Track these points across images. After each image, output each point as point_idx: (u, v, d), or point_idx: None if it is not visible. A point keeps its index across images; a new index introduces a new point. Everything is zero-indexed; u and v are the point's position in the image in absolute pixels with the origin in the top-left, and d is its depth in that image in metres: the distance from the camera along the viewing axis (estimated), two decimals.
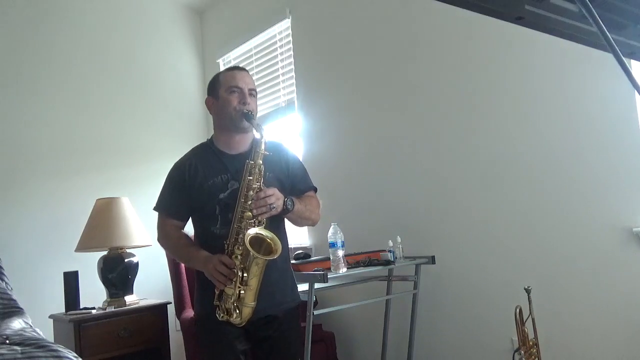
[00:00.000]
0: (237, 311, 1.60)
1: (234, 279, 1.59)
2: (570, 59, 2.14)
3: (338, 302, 2.89)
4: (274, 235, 1.64)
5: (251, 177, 1.66)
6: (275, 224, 1.76)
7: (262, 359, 1.80)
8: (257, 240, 1.61)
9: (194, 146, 1.92)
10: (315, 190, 1.93)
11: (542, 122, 2.25)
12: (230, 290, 1.59)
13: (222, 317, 1.64)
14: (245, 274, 1.58)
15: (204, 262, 1.66)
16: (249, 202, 1.64)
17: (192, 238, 1.90)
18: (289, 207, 1.71)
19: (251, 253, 1.56)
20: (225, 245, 1.65)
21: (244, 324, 1.64)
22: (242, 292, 1.59)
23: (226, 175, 1.75)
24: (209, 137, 1.90)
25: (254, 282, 1.60)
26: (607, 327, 2.05)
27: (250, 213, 1.63)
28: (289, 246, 1.98)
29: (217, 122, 1.85)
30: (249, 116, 1.73)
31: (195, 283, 1.82)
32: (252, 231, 1.61)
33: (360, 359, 3.05)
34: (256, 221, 1.64)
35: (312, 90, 3.36)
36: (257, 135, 1.88)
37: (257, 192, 1.64)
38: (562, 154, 2.19)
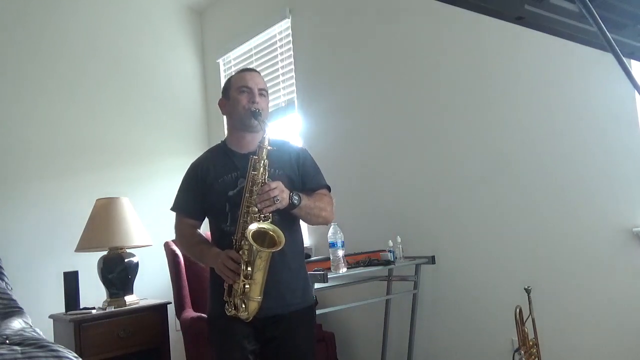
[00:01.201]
0: (244, 306, 1.61)
1: (240, 273, 1.60)
2: (571, 59, 2.14)
3: (338, 302, 2.88)
4: (276, 228, 1.64)
5: (255, 172, 1.67)
6: (289, 223, 1.76)
7: (270, 359, 1.80)
8: (261, 234, 1.62)
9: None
10: (329, 189, 1.93)
11: (541, 122, 2.25)
12: (237, 285, 1.61)
13: (231, 312, 1.65)
14: (249, 268, 1.59)
15: (214, 258, 1.69)
16: (254, 197, 1.65)
17: (207, 236, 1.92)
18: (295, 201, 1.70)
19: (254, 247, 1.56)
20: (234, 240, 1.67)
21: (250, 318, 1.64)
22: (247, 285, 1.60)
23: (236, 173, 1.77)
24: (224, 139, 1.94)
25: (259, 276, 1.61)
26: (607, 327, 2.05)
27: (255, 207, 1.64)
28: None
29: (229, 122, 1.90)
30: (256, 114, 1.75)
31: (209, 280, 1.84)
32: (254, 225, 1.61)
33: (360, 359, 3.05)
34: (262, 216, 1.65)
35: (312, 90, 3.36)
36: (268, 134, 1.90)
37: (261, 186, 1.65)
38: (562, 153, 2.19)
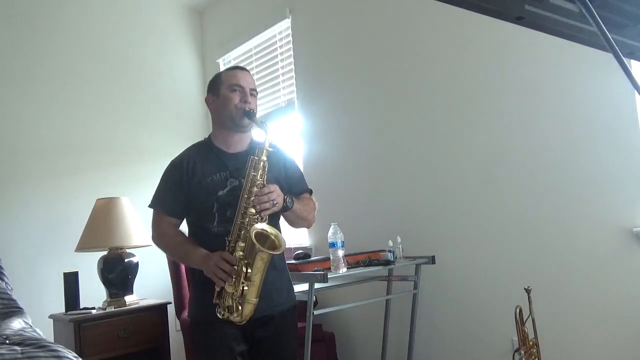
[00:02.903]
0: (240, 308, 1.59)
1: (239, 275, 1.57)
2: (570, 59, 2.14)
3: (338, 302, 2.89)
4: (279, 232, 1.65)
5: (255, 173, 1.66)
6: (273, 223, 1.76)
7: None
8: (262, 236, 1.61)
9: (190, 145, 1.91)
10: (311, 192, 1.93)
11: (542, 122, 2.25)
12: (231, 287, 1.58)
13: (223, 314, 1.62)
14: (249, 270, 1.57)
15: (203, 260, 1.65)
16: (252, 198, 1.64)
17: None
18: (289, 204, 1.71)
19: (256, 246, 1.55)
20: (227, 241, 1.64)
21: (245, 321, 1.62)
22: (245, 287, 1.57)
23: (225, 173, 1.75)
24: (207, 136, 1.89)
25: (257, 278, 1.59)
26: (607, 327, 2.05)
27: (253, 209, 1.63)
28: (286, 246, 1.97)
29: (217, 120, 1.85)
30: (251, 114, 1.74)
31: (191, 283, 1.81)
32: (259, 226, 1.61)
33: (360, 359, 3.05)
34: (259, 217, 1.64)
35: (312, 90, 3.36)
36: (255, 135, 1.88)
37: (260, 188, 1.65)
38: (562, 154, 2.19)
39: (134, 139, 3.79)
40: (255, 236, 1.56)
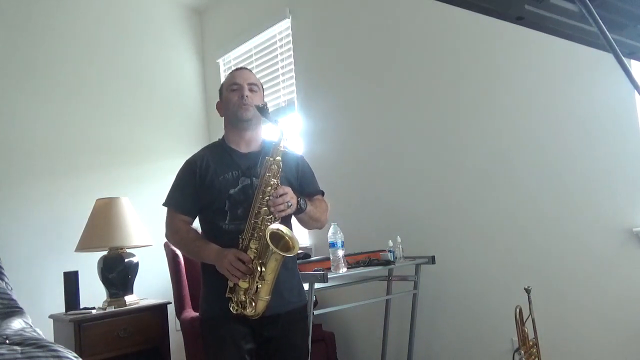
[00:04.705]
0: (253, 304, 1.61)
1: (254, 274, 1.60)
2: (571, 59, 2.14)
3: (338, 302, 2.89)
4: (294, 234, 1.66)
5: (269, 174, 1.67)
6: (285, 224, 1.76)
7: (266, 359, 1.80)
8: (276, 236, 1.63)
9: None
10: (323, 194, 1.95)
11: (542, 123, 2.25)
12: (245, 284, 1.61)
13: (237, 310, 1.64)
14: (263, 269, 1.60)
15: (217, 256, 1.67)
16: (266, 199, 1.65)
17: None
18: (303, 206, 1.73)
19: (271, 248, 1.57)
20: (240, 240, 1.66)
21: (258, 315, 1.65)
22: (259, 286, 1.60)
23: (237, 172, 1.77)
24: (220, 137, 1.93)
25: (270, 277, 1.62)
26: (607, 327, 2.05)
27: (267, 209, 1.65)
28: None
29: (226, 121, 1.90)
30: (264, 110, 1.74)
31: (202, 280, 1.83)
32: (274, 226, 1.63)
33: (360, 359, 3.05)
34: (273, 218, 1.66)
35: (312, 90, 3.36)
36: (266, 135, 1.90)
37: (275, 188, 1.66)
38: (562, 154, 2.19)
39: (134, 139, 3.79)
40: (270, 236, 1.58)
